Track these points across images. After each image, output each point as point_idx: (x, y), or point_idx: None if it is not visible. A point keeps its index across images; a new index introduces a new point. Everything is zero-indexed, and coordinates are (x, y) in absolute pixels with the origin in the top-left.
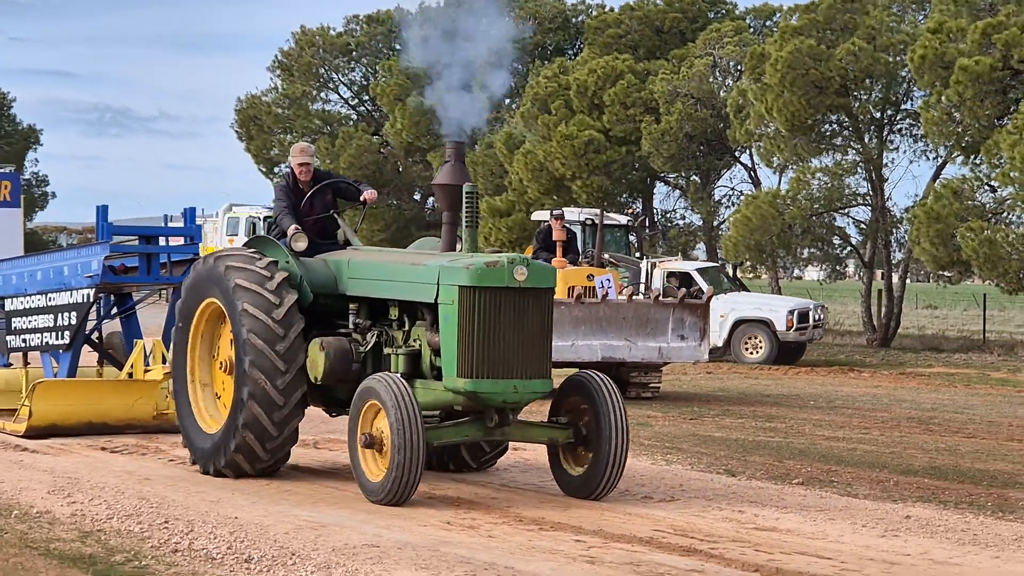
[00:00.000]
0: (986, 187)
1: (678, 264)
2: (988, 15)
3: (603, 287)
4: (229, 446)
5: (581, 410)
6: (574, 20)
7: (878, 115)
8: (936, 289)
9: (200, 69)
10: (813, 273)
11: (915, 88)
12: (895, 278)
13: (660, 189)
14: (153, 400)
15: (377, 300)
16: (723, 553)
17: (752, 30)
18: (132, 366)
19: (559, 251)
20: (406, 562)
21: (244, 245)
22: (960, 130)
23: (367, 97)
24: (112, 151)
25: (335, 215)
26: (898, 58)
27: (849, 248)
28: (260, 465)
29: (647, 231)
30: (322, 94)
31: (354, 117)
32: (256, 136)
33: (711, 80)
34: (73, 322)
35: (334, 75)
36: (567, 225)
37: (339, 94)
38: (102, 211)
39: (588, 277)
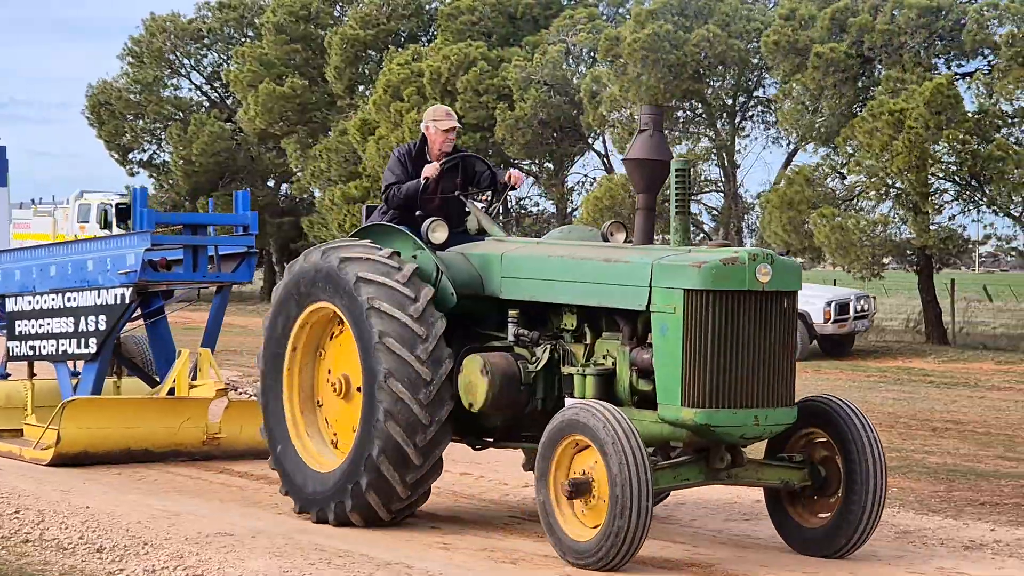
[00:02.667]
0: (837, 174)
1: None
2: (838, 0)
3: None
4: (359, 484)
5: (819, 445)
6: (427, 7)
7: (731, 102)
8: None
9: (50, 55)
10: None
11: (767, 75)
12: None
13: None
14: (203, 421)
15: (544, 306)
16: None
17: (605, 17)
18: (175, 381)
19: None
20: (260, 551)
21: (353, 235)
22: (814, 117)
23: (219, 83)
24: None
25: (462, 198)
26: (751, 44)
27: (702, 235)
28: (398, 505)
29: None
30: (173, 80)
31: (206, 103)
32: (107, 122)
33: (564, 67)
34: (102, 327)
35: (185, 61)
36: None
37: (191, 80)
38: (140, 194)
39: None
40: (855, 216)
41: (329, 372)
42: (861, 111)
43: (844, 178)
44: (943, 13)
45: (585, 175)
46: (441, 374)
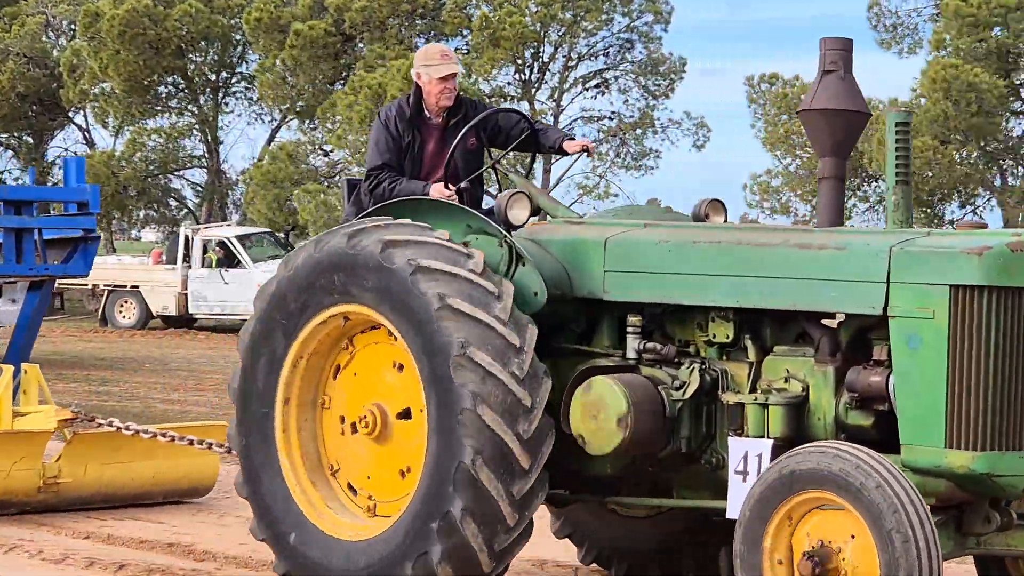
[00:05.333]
0: (320, 151)
1: (221, 231)
2: None
3: None
4: (427, 555)
5: None
6: None
7: (213, 77)
8: None
9: None
10: (151, 235)
11: (250, 51)
12: None
13: None
14: (38, 462)
15: (677, 310)
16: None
17: None
18: None
19: None
20: None
21: (370, 212)
22: (295, 93)
23: None
24: None
25: (499, 166)
26: (233, 20)
27: (186, 210)
28: None
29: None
30: None
31: None
32: None
33: (44, 39)
34: None
35: None
36: None
37: None
38: None
39: None
40: (338, 192)
41: (334, 401)
42: (344, 87)
43: (328, 154)
44: None
45: (66, 149)
46: (542, 397)
